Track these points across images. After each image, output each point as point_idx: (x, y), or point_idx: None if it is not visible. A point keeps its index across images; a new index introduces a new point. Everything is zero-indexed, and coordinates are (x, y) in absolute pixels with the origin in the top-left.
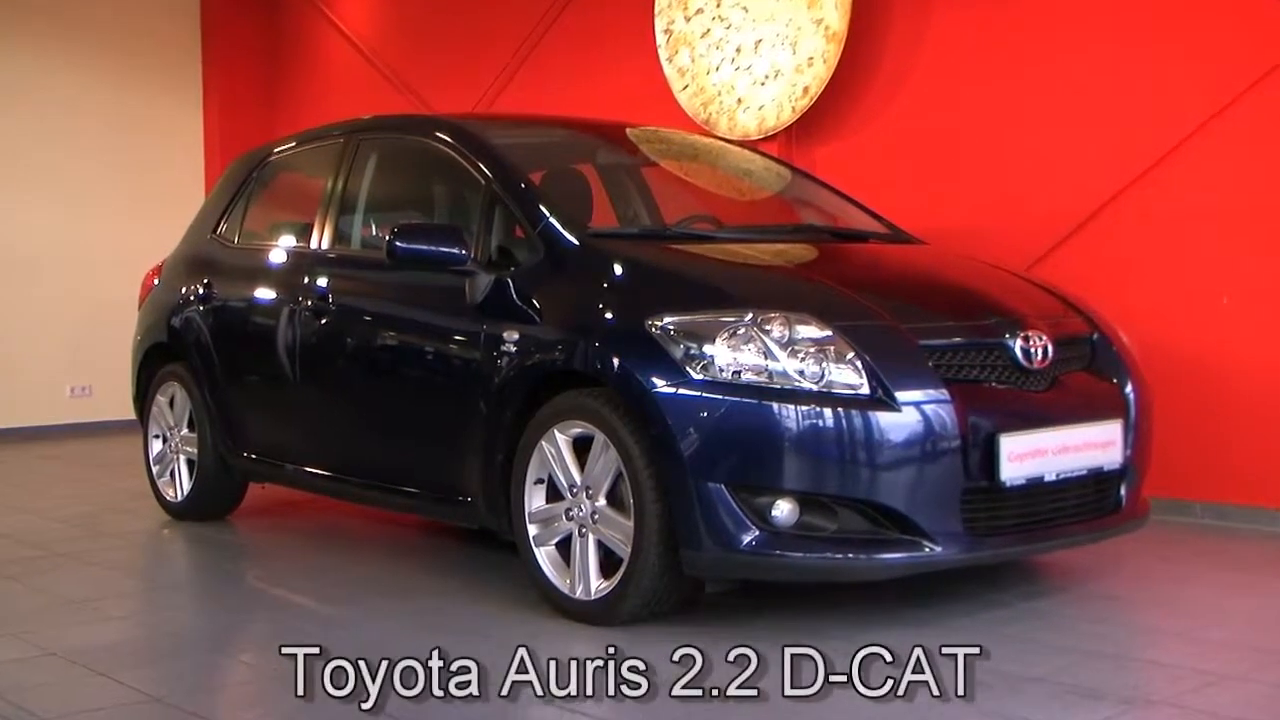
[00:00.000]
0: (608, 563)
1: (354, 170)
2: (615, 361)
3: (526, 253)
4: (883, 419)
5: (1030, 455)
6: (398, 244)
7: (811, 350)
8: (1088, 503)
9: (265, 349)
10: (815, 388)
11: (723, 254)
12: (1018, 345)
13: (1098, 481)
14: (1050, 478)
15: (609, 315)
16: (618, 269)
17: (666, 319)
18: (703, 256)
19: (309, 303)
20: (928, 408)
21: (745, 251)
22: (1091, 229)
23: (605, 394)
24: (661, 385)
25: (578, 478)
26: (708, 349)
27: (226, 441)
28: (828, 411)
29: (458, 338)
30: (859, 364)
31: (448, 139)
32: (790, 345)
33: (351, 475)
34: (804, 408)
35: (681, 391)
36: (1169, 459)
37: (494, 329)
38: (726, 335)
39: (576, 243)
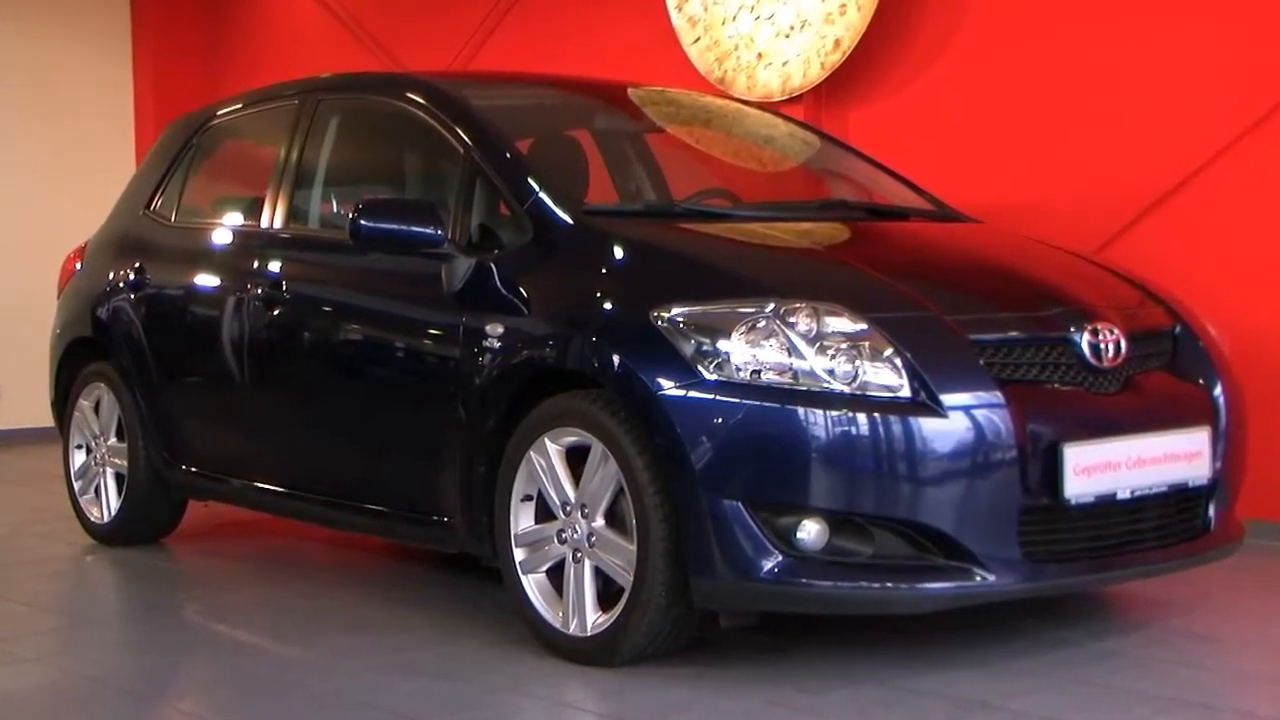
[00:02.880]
0: (607, 593)
1: (311, 137)
2: (615, 359)
3: (512, 233)
4: (926, 426)
5: (1100, 469)
6: (363, 223)
7: (843, 346)
8: (1169, 525)
9: (208, 344)
10: (847, 390)
11: (740, 234)
12: (1085, 340)
13: (1181, 500)
14: (1123, 495)
15: (608, 305)
16: (618, 252)
17: (675, 310)
18: (717, 237)
19: (259, 291)
20: (979, 413)
21: (766, 231)
22: (1175, 203)
23: (603, 397)
24: (669, 387)
25: (572, 494)
26: (723, 344)
27: (162, 452)
28: (862, 417)
29: (432, 332)
30: (898, 362)
31: (421, 101)
32: (818, 340)
33: (308, 491)
34: (834, 413)
35: (692, 394)
36: (1268, 474)
37: (474, 321)
38: (744, 329)
39: (570, 221)
